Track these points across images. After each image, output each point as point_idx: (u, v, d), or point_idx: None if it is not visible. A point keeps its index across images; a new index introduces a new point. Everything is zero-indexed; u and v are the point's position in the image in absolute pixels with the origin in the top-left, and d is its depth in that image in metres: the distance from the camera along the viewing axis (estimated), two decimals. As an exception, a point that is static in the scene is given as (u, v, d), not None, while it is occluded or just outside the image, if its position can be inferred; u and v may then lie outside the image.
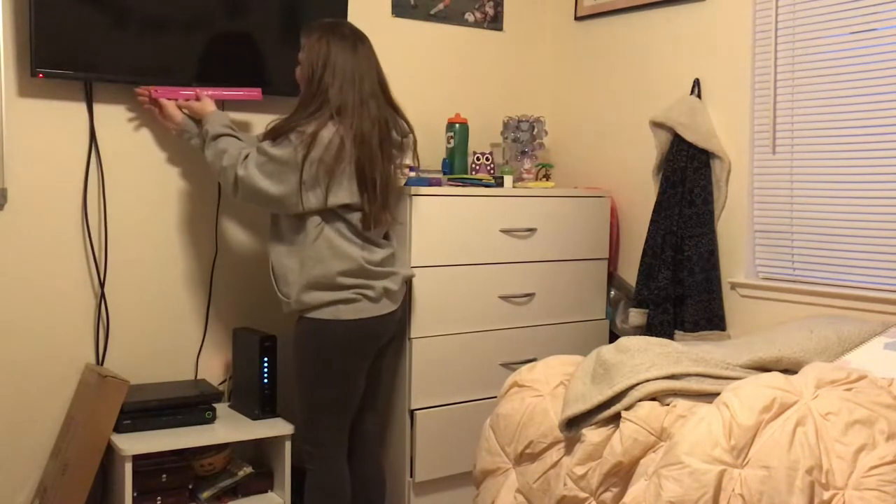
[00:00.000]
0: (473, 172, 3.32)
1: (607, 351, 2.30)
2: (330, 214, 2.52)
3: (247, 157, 2.51)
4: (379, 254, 2.59)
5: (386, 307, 2.58)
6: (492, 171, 3.32)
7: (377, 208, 2.54)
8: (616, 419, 2.11)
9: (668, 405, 2.07)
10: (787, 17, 2.91)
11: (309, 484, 2.60)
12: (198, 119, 2.73)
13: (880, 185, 2.69)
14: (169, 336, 2.95)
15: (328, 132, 2.46)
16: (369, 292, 2.53)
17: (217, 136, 2.60)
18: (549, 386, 2.37)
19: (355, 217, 2.53)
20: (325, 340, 2.52)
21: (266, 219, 3.06)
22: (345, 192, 2.49)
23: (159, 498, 2.67)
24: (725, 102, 3.09)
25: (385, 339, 2.65)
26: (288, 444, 2.79)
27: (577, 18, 3.67)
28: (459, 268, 2.97)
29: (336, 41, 2.53)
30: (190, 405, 2.75)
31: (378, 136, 2.53)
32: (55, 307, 2.75)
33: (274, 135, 2.50)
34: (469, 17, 3.57)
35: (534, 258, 3.14)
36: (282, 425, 2.80)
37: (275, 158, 2.47)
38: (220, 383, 3.03)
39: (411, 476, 2.92)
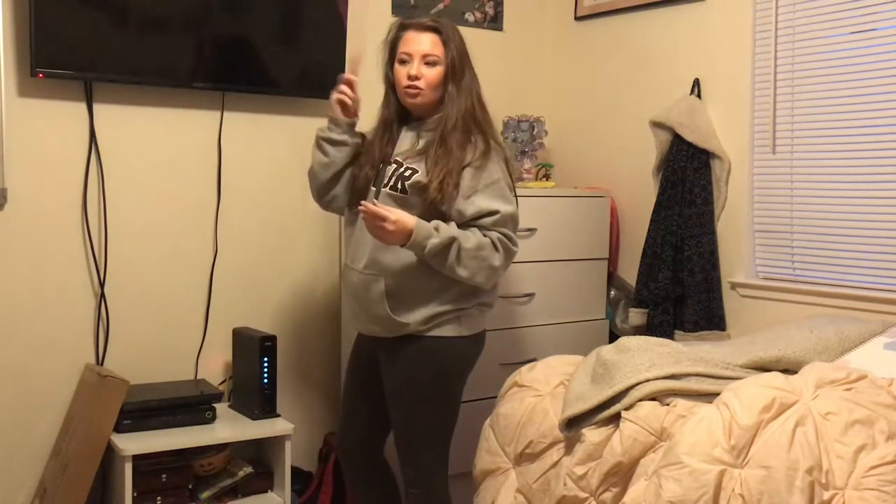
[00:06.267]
0: (473, 172, 3.32)
1: (607, 351, 2.30)
2: None
3: (506, 239, 2.29)
4: None
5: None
6: (492, 171, 3.31)
7: None
8: (616, 419, 2.11)
9: (668, 405, 2.07)
10: (787, 17, 2.91)
11: None
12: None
13: (880, 185, 2.69)
14: (169, 336, 2.95)
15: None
16: (487, 309, 2.44)
17: (454, 239, 2.22)
18: (549, 386, 2.37)
19: None
20: (453, 358, 2.38)
21: (265, 219, 3.06)
22: None
23: (159, 498, 2.67)
24: (725, 102, 3.09)
25: None
26: (288, 444, 2.78)
27: (577, 18, 3.67)
28: (459, 268, 2.96)
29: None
30: (190, 405, 2.75)
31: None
32: (55, 307, 2.75)
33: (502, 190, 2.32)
34: (469, 17, 3.56)
35: (534, 258, 3.14)
36: (282, 425, 2.80)
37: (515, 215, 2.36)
38: (220, 383, 3.03)
39: (411, 476, 2.91)
